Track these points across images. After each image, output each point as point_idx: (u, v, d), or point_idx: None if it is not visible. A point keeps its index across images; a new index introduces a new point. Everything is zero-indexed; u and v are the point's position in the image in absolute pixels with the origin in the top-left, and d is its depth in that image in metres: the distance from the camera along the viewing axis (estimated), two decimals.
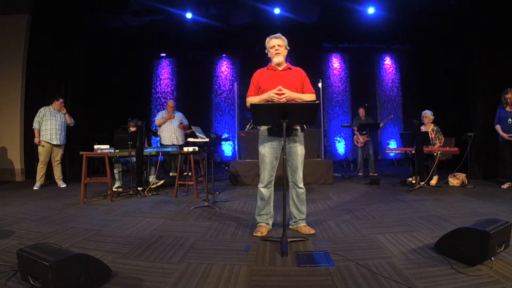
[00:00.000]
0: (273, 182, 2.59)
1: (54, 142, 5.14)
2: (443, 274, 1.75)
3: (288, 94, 2.40)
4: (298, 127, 2.53)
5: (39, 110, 5.14)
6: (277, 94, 2.39)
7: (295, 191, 2.58)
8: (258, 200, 2.62)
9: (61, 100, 5.30)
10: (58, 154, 5.24)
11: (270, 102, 2.40)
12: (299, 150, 2.52)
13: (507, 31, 5.26)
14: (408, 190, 4.42)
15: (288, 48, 2.61)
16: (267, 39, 2.60)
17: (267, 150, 2.53)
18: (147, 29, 7.61)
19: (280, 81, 2.48)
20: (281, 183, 2.32)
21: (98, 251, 2.18)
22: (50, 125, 5.10)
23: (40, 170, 5.12)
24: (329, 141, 9.04)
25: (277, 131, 2.44)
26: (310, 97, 2.51)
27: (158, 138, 5.89)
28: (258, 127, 2.64)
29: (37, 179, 5.10)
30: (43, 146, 5.09)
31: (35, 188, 5.01)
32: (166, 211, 3.44)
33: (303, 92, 2.56)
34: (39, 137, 5.08)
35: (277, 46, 2.54)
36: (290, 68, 2.60)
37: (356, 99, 8.81)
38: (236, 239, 2.48)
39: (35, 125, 5.07)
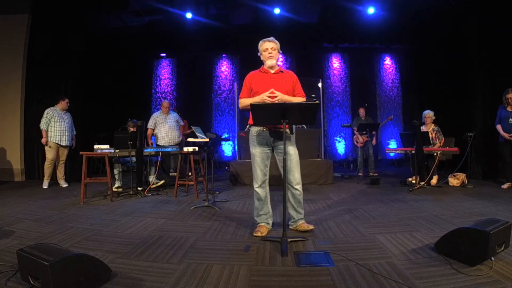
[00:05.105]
0: (267, 181, 2.62)
1: (64, 144, 5.17)
2: (443, 274, 1.75)
3: (280, 97, 2.43)
4: (287, 130, 2.53)
5: (46, 111, 5.12)
6: (269, 97, 2.41)
7: (291, 192, 2.58)
8: (256, 201, 2.63)
9: (66, 100, 5.30)
10: (64, 154, 5.27)
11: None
12: (291, 150, 2.54)
13: (507, 31, 5.26)
14: (408, 190, 4.42)
15: (281, 52, 2.66)
16: (260, 42, 2.64)
17: (257, 150, 2.57)
18: (147, 29, 7.61)
19: (272, 84, 2.52)
20: (277, 183, 2.32)
21: (98, 251, 2.18)
22: (60, 126, 5.12)
23: (48, 168, 5.16)
24: (329, 141, 9.04)
25: (274, 133, 2.49)
26: (300, 101, 2.54)
27: (154, 139, 5.88)
28: (248, 128, 2.66)
29: (46, 177, 5.16)
30: (50, 147, 5.10)
31: (44, 186, 5.09)
32: (166, 211, 3.44)
33: (294, 95, 2.59)
34: (47, 137, 5.08)
35: (270, 49, 2.57)
36: (282, 71, 2.64)
37: (356, 99, 8.80)
38: (236, 239, 2.48)
39: (43, 126, 5.06)
